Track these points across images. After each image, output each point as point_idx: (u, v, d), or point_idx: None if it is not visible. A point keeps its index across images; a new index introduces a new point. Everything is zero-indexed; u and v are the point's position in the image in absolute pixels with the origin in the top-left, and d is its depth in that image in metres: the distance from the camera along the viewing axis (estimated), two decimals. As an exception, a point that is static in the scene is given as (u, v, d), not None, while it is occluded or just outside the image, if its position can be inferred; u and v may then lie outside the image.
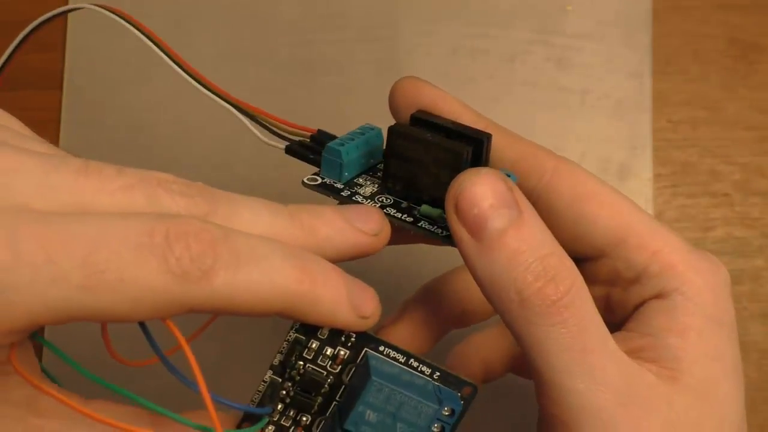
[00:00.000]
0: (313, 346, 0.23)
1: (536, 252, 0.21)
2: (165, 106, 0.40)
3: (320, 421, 0.23)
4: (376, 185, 0.25)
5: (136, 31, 0.26)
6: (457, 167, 0.23)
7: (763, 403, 0.38)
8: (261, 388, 0.23)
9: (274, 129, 0.26)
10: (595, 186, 0.25)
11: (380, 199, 0.25)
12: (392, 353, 0.22)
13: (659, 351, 0.23)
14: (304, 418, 0.23)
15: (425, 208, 0.24)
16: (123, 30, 0.41)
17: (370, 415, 0.22)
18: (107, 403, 0.22)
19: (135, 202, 0.20)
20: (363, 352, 0.23)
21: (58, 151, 0.21)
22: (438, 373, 0.22)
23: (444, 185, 0.23)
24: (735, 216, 0.39)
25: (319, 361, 0.23)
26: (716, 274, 0.24)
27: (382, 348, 0.23)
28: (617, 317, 0.25)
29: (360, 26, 0.41)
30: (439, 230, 0.24)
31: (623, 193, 0.25)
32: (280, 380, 0.23)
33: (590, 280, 0.23)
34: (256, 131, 0.26)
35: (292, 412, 0.23)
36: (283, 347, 0.23)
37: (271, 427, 0.23)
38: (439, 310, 0.28)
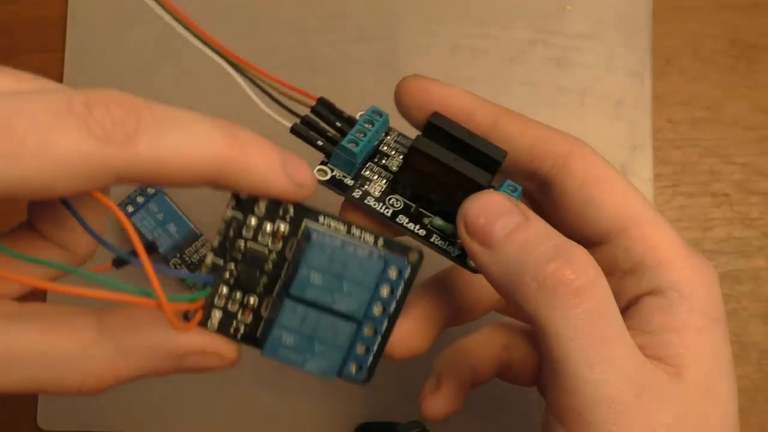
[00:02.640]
0: (252, 223, 0.22)
1: (547, 241, 0.22)
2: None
3: (268, 302, 0.22)
4: (384, 180, 0.25)
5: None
6: (475, 192, 0.23)
7: (764, 403, 0.38)
8: (203, 271, 0.22)
9: (275, 96, 0.25)
10: (607, 172, 0.25)
11: (391, 202, 0.25)
12: (333, 223, 0.22)
13: (660, 348, 0.23)
14: (251, 300, 0.22)
15: (438, 221, 0.25)
16: (123, 30, 0.41)
17: (315, 277, 0.21)
18: (51, 303, 0.21)
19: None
20: (303, 224, 0.22)
21: None
22: (382, 240, 0.22)
23: (458, 202, 0.23)
24: (735, 216, 0.39)
25: (259, 239, 0.22)
26: (709, 273, 0.24)
27: (321, 218, 0.22)
28: None
29: (359, 26, 0.41)
30: (451, 248, 0.24)
31: (632, 183, 0.25)
32: (222, 261, 0.22)
33: None
34: (258, 100, 0.25)
35: (238, 295, 0.22)
36: (221, 228, 0.22)
37: (218, 313, 0.22)
38: (437, 306, 0.28)
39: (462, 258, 0.25)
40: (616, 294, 0.23)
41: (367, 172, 0.25)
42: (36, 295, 0.39)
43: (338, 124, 0.25)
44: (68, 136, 0.18)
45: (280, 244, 0.22)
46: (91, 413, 0.37)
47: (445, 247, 0.25)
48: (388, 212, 0.25)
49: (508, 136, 0.25)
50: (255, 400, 0.38)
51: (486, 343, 0.30)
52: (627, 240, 0.24)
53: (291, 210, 0.22)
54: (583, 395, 0.21)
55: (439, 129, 0.24)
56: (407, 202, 0.25)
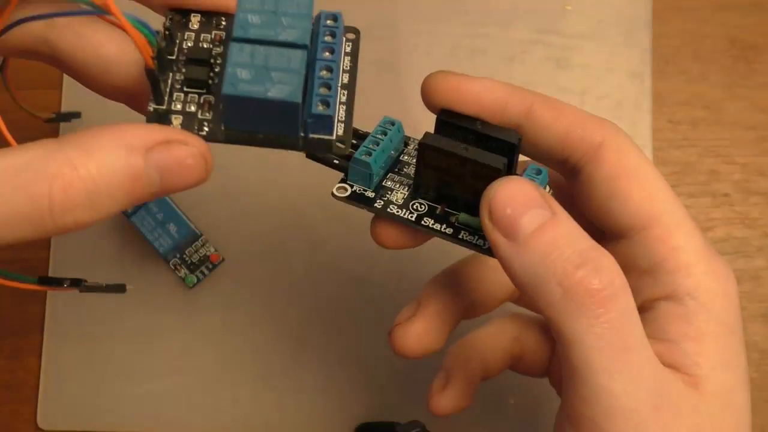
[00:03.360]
0: (190, 37, 0.23)
1: (574, 245, 0.21)
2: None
3: (215, 102, 0.22)
4: (406, 188, 0.25)
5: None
6: (493, 178, 0.23)
7: (764, 403, 0.38)
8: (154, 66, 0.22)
9: None
10: (639, 165, 0.24)
11: (414, 207, 0.25)
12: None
13: (678, 357, 0.23)
14: (210, 98, 0.22)
15: (464, 216, 0.24)
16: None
17: (253, 18, 0.21)
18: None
19: None
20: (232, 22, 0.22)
21: None
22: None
23: (480, 193, 0.23)
24: (735, 216, 0.39)
25: (200, 44, 0.23)
26: (728, 280, 0.24)
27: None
28: None
29: (360, 26, 0.41)
30: (481, 242, 0.24)
31: (663, 178, 0.24)
32: (170, 69, 0.22)
33: None
34: None
35: (193, 96, 0.22)
36: (162, 42, 0.22)
37: (179, 117, 0.22)
38: (451, 302, 0.28)
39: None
40: (633, 292, 0.23)
41: (389, 183, 0.25)
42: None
43: (354, 141, 0.25)
44: None
45: (220, 47, 0.23)
46: (91, 413, 0.37)
47: (474, 242, 0.24)
48: (412, 217, 0.25)
49: (542, 124, 0.24)
50: (255, 399, 0.38)
51: (496, 336, 0.29)
52: (648, 239, 0.24)
53: (223, 20, 0.23)
54: (601, 405, 0.21)
55: (449, 124, 0.24)
56: (432, 204, 0.25)
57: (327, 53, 0.22)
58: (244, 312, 0.38)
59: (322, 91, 0.22)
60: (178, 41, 0.23)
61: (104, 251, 0.38)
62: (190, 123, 0.22)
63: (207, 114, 0.22)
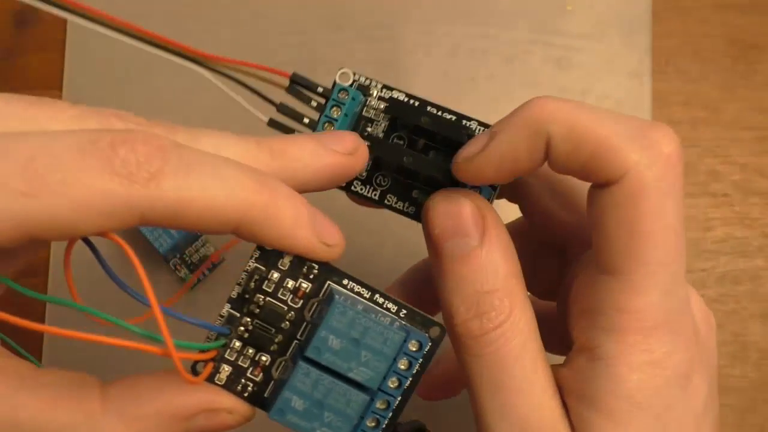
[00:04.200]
0: (274, 277, 0.21)
1: (480, 285, 0.22)
2: (165, 106, 0.40)
3: (280, 362, 0.21)
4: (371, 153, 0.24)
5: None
6: (442, 185, 0.23)
7: (764, 403, 0.38)
8: (218, 323, 0.22)
9: (252, 85, 0.25)
10: (645, 213, 0.20)
11: (378, 181, 0.24)
12: (357, 287, 0.21)
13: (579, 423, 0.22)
14: (264, 358, 0.21)
15: (425, 198, 0.24)
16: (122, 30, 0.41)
17: (333, 341, 0.20)
18: (56, 370, 0.21)
19: (87, 128, 0.19)
20: (326, 285, 0.21)
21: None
22: (404, 311, 0.21)
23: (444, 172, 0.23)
24: (735, 216, 0.39)
25: (279, 294, 0.21)
26: (667, 365, 0.21)
27: (346, 281, 0.21)
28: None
29: (360, 26, 0.41)
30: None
31: (673, 229, 0.21)
32: (238, 315, 0.21)
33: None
34: (246, 103, 0.25)
35: (250, 351, 0.21)
36: (242, 278, 0.21)
37: (227, 368, 0.21)
38: (423, 294, 0.28)
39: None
40: (574, 324, 0.23)
41: None
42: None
43: (314, 104, 0.25)
44: (91, 174, 0.17)
45: (300, 303, 0.21)
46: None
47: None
48: (375, 195, 0.24)
49: (562, 162, 0.21)
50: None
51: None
52: (610, 285, 0.21)
53: (315, 269, 0.21)
54: None
55: (402, 124, 0.24)
56: (395, 175, 0.24)
57: (393, 384, 0.21)
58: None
59: (369, 423, 0.21)
60: (255, 285, 0.21)
61: (104, 251, 0.38)
62: (237, 378, 0.21)
63: (257, 376, 0.22)
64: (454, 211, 0.22)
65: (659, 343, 0.21)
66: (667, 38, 0.41)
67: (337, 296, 0.21)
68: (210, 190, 0.19)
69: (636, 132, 0.21)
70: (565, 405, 0.22)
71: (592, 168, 0.21)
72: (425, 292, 0.28)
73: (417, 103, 0.24)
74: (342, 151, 0.22)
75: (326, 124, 0.24)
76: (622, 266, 0.21)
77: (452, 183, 0.23)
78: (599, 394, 0.21)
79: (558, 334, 0.27)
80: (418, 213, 0.24)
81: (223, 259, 0.38)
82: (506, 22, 0.41)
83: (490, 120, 0.24)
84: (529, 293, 0.29)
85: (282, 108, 0.25)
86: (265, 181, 0.20)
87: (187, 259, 0.38)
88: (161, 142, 0.18)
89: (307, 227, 0.20)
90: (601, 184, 0.21)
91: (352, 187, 0.24)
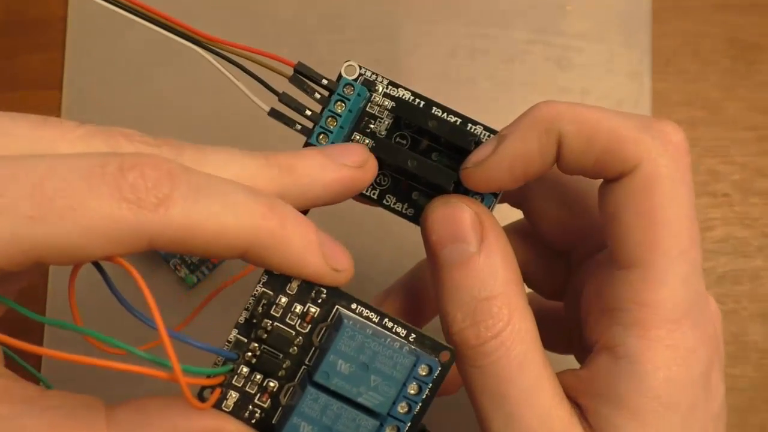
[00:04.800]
0: (282, 302, 0.21)
1: (478, 292, 0.21)
2: (165, 106, 0.40)
3: (288, 388, 0.21)
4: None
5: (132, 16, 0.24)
6: (443, 191, 0.23)
7: (763, 403, 0.38)
8: (226, 348, 0.21)
9: (255, 74, 0.24)
10: (661, 202, 0.21)
11: (377, 180, 0.24)
12: (366, 312, 0.21)
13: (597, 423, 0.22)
14: (271, 384, 0.21)
15: (425, 201, 0.24)
16: (123, 30, 0.41)
17: (342, 366, 0.20)
18: (63, 393, 0.20)
19: (94, 149, 0.19)
20: (335, 309, 0.21)
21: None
22: (414, 335, 0.21)
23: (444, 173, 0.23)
24: (735, 216, 0.39)
25: (287, 319, 0.21)
26: (692, 357, 0.21)
27: (354, 306, 0.21)
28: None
29: (360, 26, 0.41)
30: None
31: (688, 217, 0.21)
32: (246, 340, 0.21)
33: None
34: (247, 91, 0.24)
35: (258, 377, 0.21)
36: (250, 303, 0.21)
37: (234, 394, 0.21)
38: (420, 297, 0.28)
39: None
40: (592, 322, 0.22)
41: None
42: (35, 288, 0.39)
43: (317, 95, 0.24)
44: (99, 199, 0.17)
45: (308, 328, 0.21)
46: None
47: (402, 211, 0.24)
48: (374, 194, 0.24)
49: (574, 158, 0.21)
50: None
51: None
52: (628, 278, 0.21)
53: (324, 293, 0.21)
54: None
55: (406, 124, 0.24)
56: (395, 175, 0.24)
57: (402, 409, 0.21)
58: (244, 312, 0.38)
59: None
60: (263, 310, 0.21)
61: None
62: (244, 404, 0.21)
63: (265, 402, 0.21)
64: (452, 217, 0.22)
65: (684, 337, 0.21)
66: (667, 38, 0.41)
67: (345, 320, 0.20)
68: (219, 216, 0.18)
69: (644, 124, 0.21)
70: (580, 408, 0.22)
71: (606, 161, 0.21)
72: (426, 294, 0.28)
73: (423, 104, 0.24)
74: (351, 165, 0.22)
75: (329, 119, 0.24)
76: (641, 258, 0.21)
77: (456, 189, 0.23)
78: (623, 393, 0.21)
79: (565, 334, 0.27)
80: (416, 215, 0.24)
81: (223, 260, 0.38)
82: (506, 22, 0.41)
83: (493, 122, 0.24)
84: (535, 292, 0.29)
85: (284, 98, 0.24)
86: (274, 206, 0.20)
87: (187, 259, 0.38)
88: (170, 166, 0.18)
89: (315, 253, 0.20)
90: (615, 178, 0.21)
91: None
